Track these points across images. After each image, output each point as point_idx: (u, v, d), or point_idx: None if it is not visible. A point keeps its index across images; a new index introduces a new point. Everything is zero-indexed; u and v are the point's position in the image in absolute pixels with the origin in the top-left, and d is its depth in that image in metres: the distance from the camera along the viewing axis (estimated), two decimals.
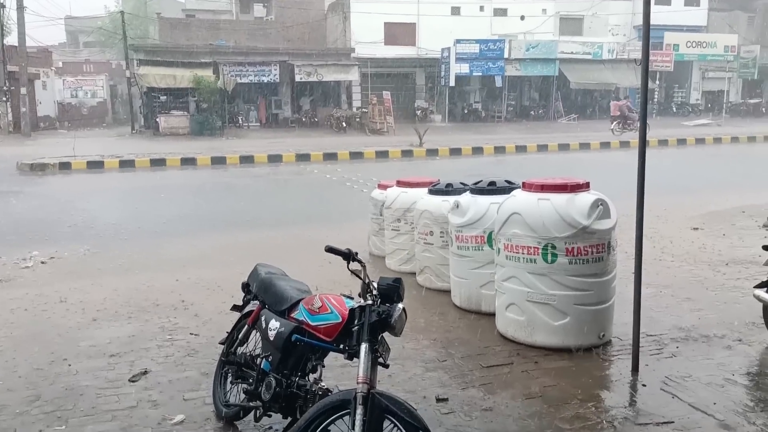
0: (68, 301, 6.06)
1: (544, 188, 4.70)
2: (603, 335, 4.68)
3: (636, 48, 31.45)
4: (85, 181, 16.16)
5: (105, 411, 3.82)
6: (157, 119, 27.30)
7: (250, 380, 3.44)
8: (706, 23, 36.14)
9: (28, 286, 6.62)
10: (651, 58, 32.80)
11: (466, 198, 5.60)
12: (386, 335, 2.97)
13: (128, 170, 17.96)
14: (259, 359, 3.44)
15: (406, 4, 31.28)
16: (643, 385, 4.04)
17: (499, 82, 32.83)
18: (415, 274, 6.52)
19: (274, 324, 3.29)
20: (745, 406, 3.76)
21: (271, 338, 3.28)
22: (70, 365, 4.52)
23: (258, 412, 3.37)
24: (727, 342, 4.76)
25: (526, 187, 4.84)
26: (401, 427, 2.67)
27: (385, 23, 31.20)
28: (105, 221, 10.34)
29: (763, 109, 36.03)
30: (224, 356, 3.84)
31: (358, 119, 28.90)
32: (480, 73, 32.02)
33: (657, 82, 35.29)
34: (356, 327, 2.91)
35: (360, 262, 2.95)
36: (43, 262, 7.68)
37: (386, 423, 2.71)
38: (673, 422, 3.56)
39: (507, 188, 5.39)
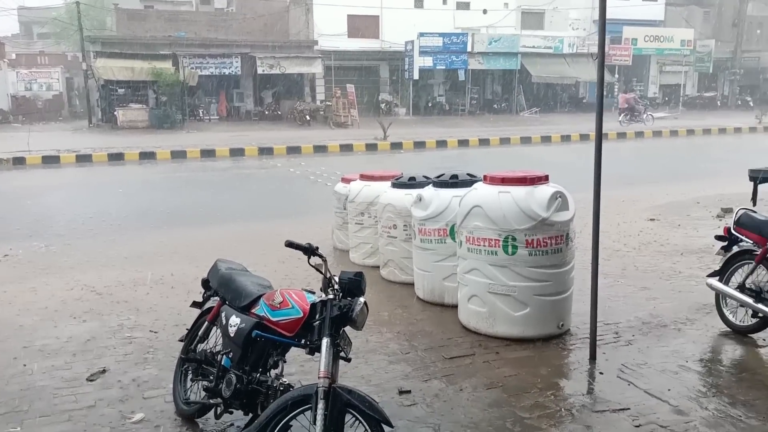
0: (24, 299, 5.91)
1: (504, 181, 4.75)
2: (562, 325, 4.77)
3: (596, 42, 31.91)
4: (41, 176, 15.73)
5: (62, 411, 3.74)
6: (115, 112, 26.68)
7: (211, 377, 3.41)
8: (664, 18, 36.91)
9: None
10: (610, 52, 33.84)
11: (428, 191, 5.63)
12: (348, 329, 2.97)
13: (85, 165, 17.53)
14: (219, 356, 3.41)
15: None
16: (601, 373, 4.13)
17: (462, 76, 33.04)
18: (379, 267, 6.53)
19: (235, 320, 3.27)
20: (698, 391, 3.88)
21: (232, 334, 3.25)
22: (25, 365, 4.41)
23: (219, 409, 3.35)
24: (681, 329, 4.90)
25: (488, 180, 4.90)
26: (363, 421, 2.69)
27: (348, 16, 31.05)
28: (61, 218, 10.09)
29: (718, 102, 37.04)
30: (184, 353, 3.79)
31: (321, 112, 28.75)
32: (443, 67, 32.15)
33: (616, 75, 35.95)
34: (317, 322, 2.91)
35: (321, 256, 2.94)
36: None
37: (348, 417, 2.72)
38: (629, 409, 3.65)
39: (469, 181, 5.44)
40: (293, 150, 19.75)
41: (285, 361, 3.20)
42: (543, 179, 4.78)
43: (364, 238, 6.87)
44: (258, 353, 3.19)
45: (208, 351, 3.60)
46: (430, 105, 33.32)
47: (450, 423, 3.54)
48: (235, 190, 13.44)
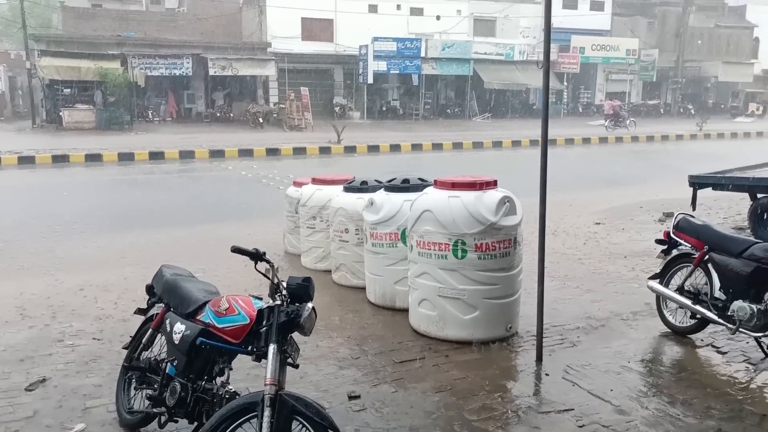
0: None
1: (454, 186, 4.81)
2: (510, 327, 4.85)
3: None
4: None
5: None
6: (61, 113, 25.86)
7: (155, 385, 3.34)
8: (610, 28, 37.98)
9: None
10: (559, 60, 34.59)
11: (380, 195, 5.65)
12: (297, 335, 2.95)
13: (28, 167, 16.93)
14: (164, 364, 3.34)
15: (324, 0, 31.13)
16: (546, 375, 4.22)
17: (416, 81, 33.28)
18: (330, 271, 6.51)
19: (180, 327, 3.20)
20: (639, 391, 3.99)
21: (176, 342, 3.19)
22: None
23: (163, 418, 3.28)
24: (624, 331, 5.04)
25: (438, 185, 4.95)
26: (309, 428, 2.67)
27: (302, 18, 30.92)
28: (1, 222, 9.71)
29: (662, 110, 38.28)
30: (128, 361, 3.70)
31: (275, 115, 28.50)
32: (397, 71, 32.34)
33: (565, 83, 36.80)
34: (264, 328, 2.87)
35: (268, 261, 2.92)
36: None
37: (295, 424, 2.70)
38: (573, 409, 3.73)
39: (420, 186, 5.48)
40: (245, 153, 19.52)
41: (231, 369, 3.16)
42: (492, 184, 4.86)
43: (316, 243, 6.84)
44: (203, 361, 3.13)
45: (152, 359, 3.53)
46: (384, 109, 33.46)
47: (398, 427, 3.55)
48: (184, 193, 13.20)
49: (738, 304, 4.30)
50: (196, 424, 3.14)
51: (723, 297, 4.49)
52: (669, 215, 9.16)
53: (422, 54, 31.98)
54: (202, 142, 20.90)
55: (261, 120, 27.38)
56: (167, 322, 3.35)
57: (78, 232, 9.06)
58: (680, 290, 4.79)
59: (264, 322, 2.88)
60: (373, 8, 32.58)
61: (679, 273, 4.93)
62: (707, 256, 4.62)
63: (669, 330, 4.98)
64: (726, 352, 4.59)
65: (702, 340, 4.81)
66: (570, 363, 4.37)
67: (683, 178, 8.51)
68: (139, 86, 27.32)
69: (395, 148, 21.49)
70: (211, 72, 28.74)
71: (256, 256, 2.92)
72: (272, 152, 19.93)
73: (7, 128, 26.85)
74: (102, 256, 7.69)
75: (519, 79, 34.08)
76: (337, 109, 31.53)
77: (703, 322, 4.72)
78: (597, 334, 4.95)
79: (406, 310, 5.20)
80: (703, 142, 25.69)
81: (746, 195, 8.42)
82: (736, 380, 4.16)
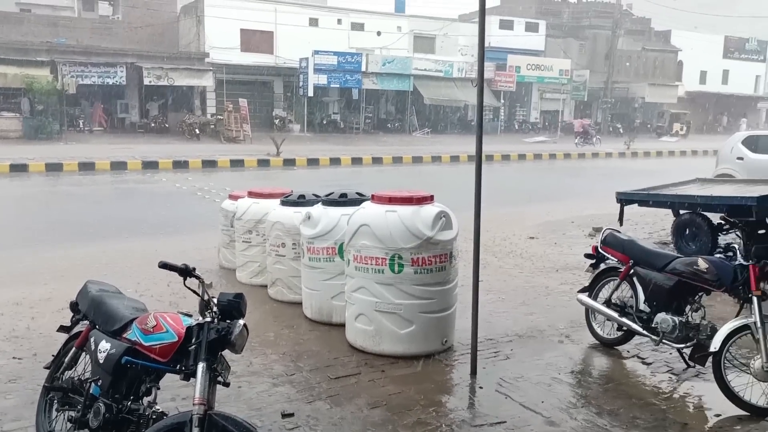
0: None
1: (391, 200, 4.83)
2: (446, 341, 4.89)
3: (486, 68, 33.41)
4: None
5: None
6: None
7: (78, 407, 3.19)
8: (544, 48, 39.25)
9: None
10: (496, 78, 35.48)
11: (317, 209, 5.62)
12: (228, 353, 2.88)
13: None
14: (87, 384, 3.20)
15: (263, 12, 30.94)
16: (480, 388, 4.27)
17: (356, 95, 33.42)
18: (266, 286, 6.42)
19: (105, 345, 3.08)
20: (569, 402, 4.09)
21: (101, 361, 3.07)
22: None
23: None
24: (555, 343, 5.17)
25: (375, 199, 4.96)
26: None
27: (241, 30, 30.59)
28: None
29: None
30: (49, 381, 3.54)
31: (212, 126, 28.02)
32: (338, 85, 32.38)
33: (502, 100, 37.73)
34: (193, 346, 2.79)
35: (198, 277, 2.85)
36: None
37: None
38: (505, 422, 3.79)
39: (357, 200, 5.48)
40: (180, 164, 19.07)
41: (159, 388, 3.05)
42: (428, 199, 4.91)
43: (252, 257, 6.73)
44: (129, 380, 3.02)
45: (76, 379, 3.38)
46: (324, 122, 33.41)
47: None
48: (115, 205, 12.77)
49: (661, 317, 4.48)
50: None
51: (647, 309, 4.67)
52: (598, 230, 9.47)
53: (363, 68, 32.16)
54: (135, 153, 20.32)
55: (197, 131, 26.86)
56: (92, 340, 3.22)
57: (0, 246, 8.63)
58: (607, 303, 4.95)
59: (193, 340, 2.81)
60: (313, 21, 32.61)
61: (606, 286, 5.10)
62: (632, 270, 4.80)
63: (597, 342, 5.14)
64: (651, 363, 4.77)
65: (628, 352, 4.98)
66: (503, 376, 4.45)
67: (612, 195, 8.84)
68: (70, 94, 26.36)
69: (335, 161, 21.47)
70: (146, 81, 28.03)
71: (185, 272, 2.85)
72: (208, 164, 19.56)
73: None
74: (25, 271, 7.33)
75: (458, 96, 34.73)
76: (276, 121, 31.28)
77: (629, 334, 4.89)
78: (530, 347, 5.05)
79: (342, 326, 5.17)
80: (631, 160, 26.79)
81: (670, 211, 8.81)
82: (660, 390, 4.32)
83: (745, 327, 4.02)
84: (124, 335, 3.06)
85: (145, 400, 3.03)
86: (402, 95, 34.95)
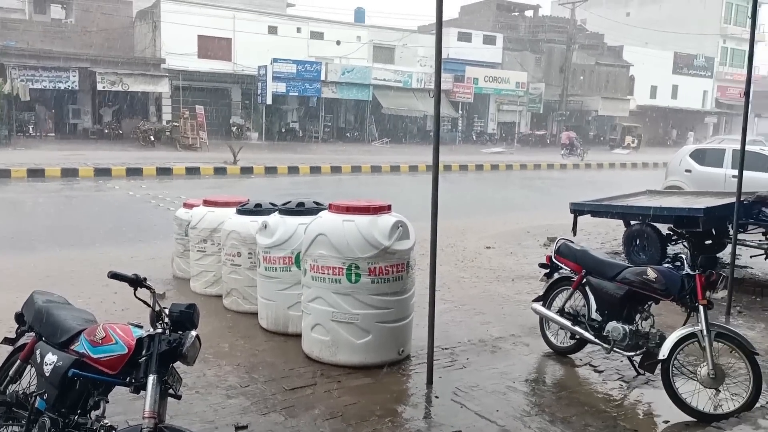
0: None
1: (349, 210, 4.83)
2: (402, 351, 4.90)
3: (444, 79, 33.80)
4: None
5: None
6: None
7: (23, 421, 3.09)
8: (501, 61, 39.92)
9: None
10: (454, 89, 35.91)
11: (274, 218, 5.57)
12: (180, 364, 2.82)
13: None
14: (33, 398, 3.09)
15: (222, 19, 30.63)
16: (436, 397, 4.29)
17: (315, 103, 33.35)
18: (221, 296, 6.32)
19: (51, 358, 2.99)
20: (523, 411, 4.14)
21: (47, 374, 2.97)
22: None
23: None
24: (510, 351, 5.23)
25: (333, 208, 4.95)
26: None
27: (198, 36, 30.20)
28: None
29: (548, 140, 40.52)
30: None
31: (168, 133, 27.52)
32: (297, 93, 32.27)
33: (460, 111, 38.18)
34: (144, 358, 2.73)
35: (149, 287, 2.79)
36: None
37: None
38: (460, 431, 3.81)
39: (315, 209, 5.46)
40: (134, 172, 18.68)
41: (108, 401, 2.97)
42: (386, 209, 4.92)
43: (207, 266, 6.63)
44: (77, 393, 2.93)
45: (20, 392, 3.26)
46: (283, 131, 33.23)
47: None
48: (65, 213, 12.41)
49: (612, 325, 4.58)
50: None
51: (599, 318, 4.77)
52: (552, 240, 9.62)
53: (322, 77, 32.15)
54: (87, 160, 19.82)
55: (152, 138, 26.37)
56: (37, 352, 3.12)
57: None
58: (561, 312, 5.04)
59: (144, 352, 2.74)
60: (272, 30, 32.44)
61: (560, 295, 5.19)
62: (585, 280, 4.90)
63: (551, 350, 5.22)
64: (602, 371, 4.87)
65: (581, 360, 5.07)
66: (459, 385, 4.47)
67: (566, 205, 9.02)
68: (19, 99, 25.57)
69: (293, 170, 21.35)
70: (100, 87, 27.40)
71: (136, 282, 2.79)
72: (163, 172, 19.21)
73: None
74: None
75: (417, 106, 35.00)
76: (234, 129, 30.95)
77: (581, 342, 4.98)
78: (485, 355, 5.10)
79: (299, 336, 5.13)
80: (584, 171, 27.40)
81: (621, 222, 9.04)
82: (611, 397, 4.42)
83: (692, 335, 4.14)
84: (71, 347, 2.97)
85: (93, 414, 2.95)
86: (361, 105, 35.05)
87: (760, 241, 7.91)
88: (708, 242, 8.26)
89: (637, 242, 8.44)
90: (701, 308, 4.12)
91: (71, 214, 12.27)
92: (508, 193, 18.70)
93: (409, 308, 4.96)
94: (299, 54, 32.28)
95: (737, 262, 7.03)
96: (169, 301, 2.83)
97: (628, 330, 4.50)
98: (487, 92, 38.43)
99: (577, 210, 8.86)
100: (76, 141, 26.77)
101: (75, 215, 12.20)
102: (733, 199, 6.47)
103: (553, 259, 5.24)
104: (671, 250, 8.21)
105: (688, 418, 4.09)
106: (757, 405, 4.02)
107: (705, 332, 4.07)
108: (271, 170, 20.98)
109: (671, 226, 8.22)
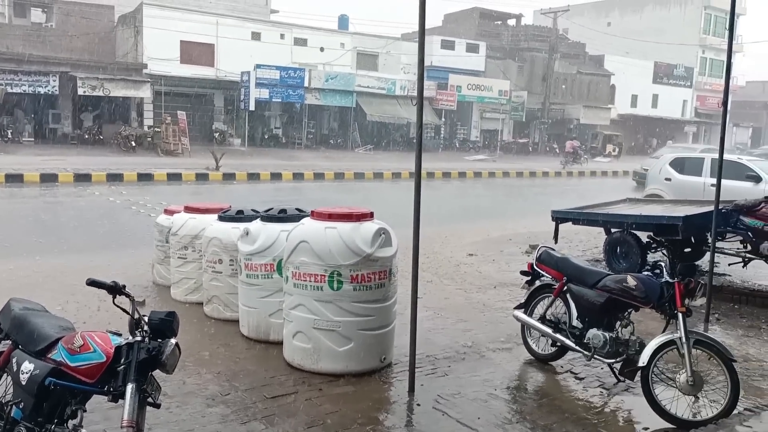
0: None
1: (331, 217, 4.82)
2: (384, 358, 4.89)
3: (427, 86, 33.93)
4: None
5: None
6: None
7: None
8: (484, 69, 40.19)
9: None
10: (437, 97, 36.07)
11: (256, 225, 5.54)
12: (159, 373, 2.80)
13: None
14: (8, 407, 3.05)
15: (204, 24, 30.51)
16: (418, 405, 4.28)
17: (299, 110, 33.30)
18: (202, 304, 6.27)
19: (28, 366, 2.94)
20: (504, 418, 4.15)
21: (23, 382, 2.92)
22: None
23: None
24: (492, 358, 5.24)
25: (315, 215, 4.94)
26: None
27: (181, 41, 30.04)
28: None
29: (530, 148, 40.82)
30: None
31: (149, 139, 27.30)
32: (280, 100, 32.21)
33: (443, 119, 38.35)
34: (122, 366, 2.70)
35: (128, 295, 2.76)
36: None
37: None
38: None
39: (297, 216, 5.44)
40: (114, 177, 18.50)
41: (85, 410, 2.93)
42: (368, 216, 4.92)
43: (187, 273, 6.57)
44: (54, 402, 2.89)
45: None
46: (266, 137, 33.12)
47: None
48: (44, 219, 12.25)
49: (593, 332, 4.61)
50: None
51: (580, 325, 4.80)
52: (534, 247, 9.65)
53: (306, 84, 32.11)
54: (67, 165, 19.59)
55: (134, 143, 26.13)
56: (14, 360, 3.07)
57: None
58: (542, 319, 5.06)
59: (122, 360, 2.72)
60: (256, 36, 32.37)
61: (541, 303, 5.22)
62: (566, 287, 4.93)
63: (533, 357, 5.24)
64: (583, 378, 4.90)
65: (562, 367, 5.10)
66: (441, 392, 4.47)
67: (548, 213, 9.09)
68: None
69: (276, 176, 21.28)
70: (80, 91, 27.13)
71: (115, 290, 2.76)
72: (144, 177, 19.05)
73: None
74: None
75: (400, 113, 35.10)
76: (216, 135, 30.79)
77: (562, 350, 5.01)
78: (467, 363, 5.11)
79: (280, 344, 5.09)
80: (566, 179, 27.64)
81: (602, 229, 9.12)
82: (592, 405, 4.44)
83: (671, 342, 4.18)
84: (48, 355, 2.93)
85: (71, 423, 2.91)
86: (345, 111, 35.07)
87: (738, 249, 8.02)
88: (687, 250, 8.35)
89: (618, 250, 8.51)
90: (680, 316, 4.16)
91: (50, 220, 12.12)
92: (491, 200, 18.79)
93: (392, 316, 4.95)
94: (283, 60, 32.25)
95: (716, 270, 7.11)
96: (149, 309, 2.80)
97: (608, 337, 4.53)
98: (470, 100, 38.64)
99: (559, 218, 8.93)
100: (55, 146, 26.47)
101: (54, 221, 12.05)
102: (712, 208, 6.55)
103: (535, 267, 5.27)
104: (651, 257, 8.30)
105: (668, 425, 4.12)
106: (735, 411, 4.07)
107: (684, 340, 4.11)
108: (253, 176, 20.89)
109: (651, 234, 8.30)
